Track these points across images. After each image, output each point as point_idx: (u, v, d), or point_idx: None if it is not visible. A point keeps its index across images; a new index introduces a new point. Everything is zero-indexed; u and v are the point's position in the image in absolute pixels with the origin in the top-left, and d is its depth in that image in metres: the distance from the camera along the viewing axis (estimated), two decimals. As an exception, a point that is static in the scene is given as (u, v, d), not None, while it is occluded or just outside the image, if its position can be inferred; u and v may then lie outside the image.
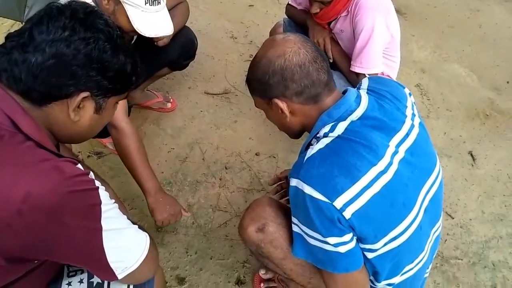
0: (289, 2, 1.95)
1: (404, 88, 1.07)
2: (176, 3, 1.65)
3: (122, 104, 1.35)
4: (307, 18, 1.81)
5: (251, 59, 2.40)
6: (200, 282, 1.47)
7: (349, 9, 1.63)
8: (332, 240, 0.87)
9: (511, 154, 2.07)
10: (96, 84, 0.78)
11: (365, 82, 1.05)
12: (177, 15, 1.51)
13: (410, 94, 1.06)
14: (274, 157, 1.92)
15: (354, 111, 0.94)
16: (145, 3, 1.33)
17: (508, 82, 2.51)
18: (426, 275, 1.13)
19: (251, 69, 1.00)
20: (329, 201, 0.84)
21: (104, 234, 0.74)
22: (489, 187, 1.91)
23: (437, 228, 1.07)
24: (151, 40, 1.53)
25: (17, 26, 2.44)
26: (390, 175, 0.89)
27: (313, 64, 0.93)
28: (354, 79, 1.67)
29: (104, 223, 0.73)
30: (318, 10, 1.64)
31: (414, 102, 1.05)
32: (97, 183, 0.75)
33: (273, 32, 2.04)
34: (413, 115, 1.02)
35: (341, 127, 0.92)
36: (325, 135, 0.92)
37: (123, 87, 0.85)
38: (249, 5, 2.86)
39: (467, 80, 2.50)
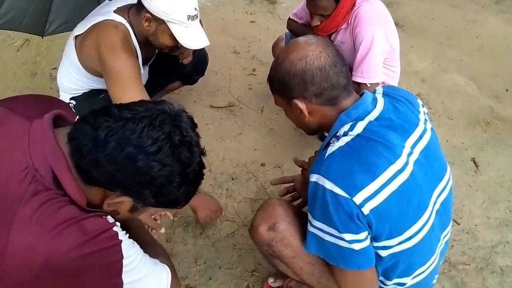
0: (290, 17, 2.01)
1: (417, 98, 1.11)
2: None
3: None
4: (309, 31, 1.86)
5: (253, 73, 2.51)
6: (209, 292, 1.48)
7: (349, 21, 1.69)
8: (348, 236, 0.90)
9: (514, 160, 2.10)
10: (143, 198, 0.77)
11: (379, 88, 1.10)
12: None
13: (423, 105, 1.10)
14: (280, 167, 1.94)
15: (371, 112, 0.97)
16: (188, 19, 1.40)
17: (507, 90, 2.55)
18: (434, 281, 1.14)
19: (273, 69, 1.03)
20: (349, 197, 0.87)
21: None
22: (493, 193, 1.92)
23: (447, 233, 1.09)
24: (170, 56, 1.60)
25: (26, 46, 2.51)
26: (406, 174, 0.91)
27: (333, 68, 0.96)
28: (355, 89, 1.71)
29: (125, 277, 0.74)
30: (318, 23, 1.70)
31: (426, 112, 1.09)
32: (121, 235, 0.75)
33: (275, 46, 2.10)
34: (426, 120, 1.05)
35: (360, 126, 0.95)
36: (345, 134, 0.95)
37: (165, 208, 0.87)
38: (251, 21, 2.94)
39: (467, 89, 2.54)
